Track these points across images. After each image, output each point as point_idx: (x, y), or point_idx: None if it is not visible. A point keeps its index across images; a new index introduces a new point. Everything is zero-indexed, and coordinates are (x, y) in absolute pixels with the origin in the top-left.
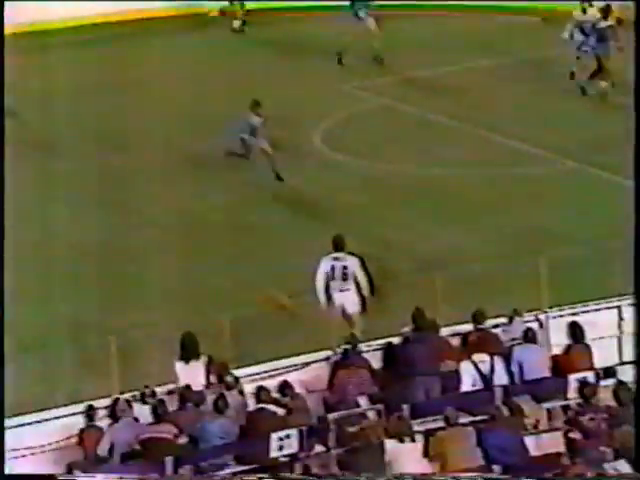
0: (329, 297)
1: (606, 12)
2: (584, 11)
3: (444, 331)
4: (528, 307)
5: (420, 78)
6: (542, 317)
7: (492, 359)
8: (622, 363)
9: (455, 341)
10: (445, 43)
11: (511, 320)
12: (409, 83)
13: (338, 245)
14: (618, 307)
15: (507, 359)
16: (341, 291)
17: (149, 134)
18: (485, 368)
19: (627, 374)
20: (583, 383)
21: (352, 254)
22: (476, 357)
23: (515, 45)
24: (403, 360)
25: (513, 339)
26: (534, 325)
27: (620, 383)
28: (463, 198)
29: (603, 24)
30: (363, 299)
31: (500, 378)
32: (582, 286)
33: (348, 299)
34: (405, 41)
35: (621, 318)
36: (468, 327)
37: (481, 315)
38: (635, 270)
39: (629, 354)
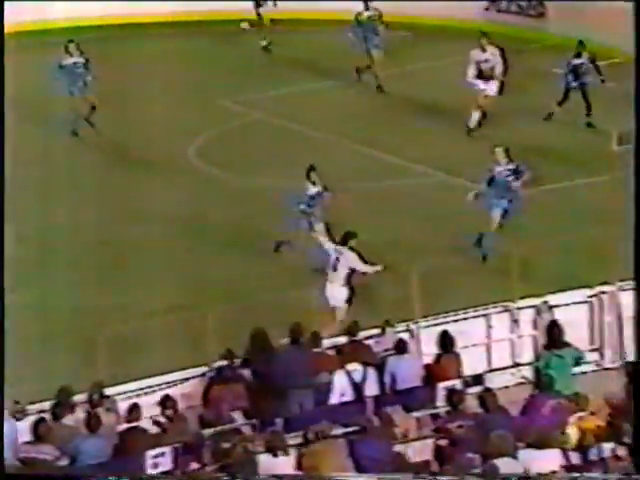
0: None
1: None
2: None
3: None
4: (400, 318)
5: (294, 93)
6: (413, 327)
7: (365, 369)
8: (490, 370)
9: (331, 353)
10: (321, 58)
11: (383, 331)
12: (284, 98)
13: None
14: (486, 315)
15: (379, 369)
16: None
17: None
18: (358, 378)
19: (494, 381)
20: (451, 391)
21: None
22: (349, 367)
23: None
24: (278, 373)
25: (385, 350)
26: (405, 335)
27: (487, 390)
28: (338, 211)
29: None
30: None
31: (372, 388)
32: (453, 296)
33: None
34: (281, 56)
35: (489, 326)
36: (343, 339)
37: (354, 326)
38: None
39: (498, 361)
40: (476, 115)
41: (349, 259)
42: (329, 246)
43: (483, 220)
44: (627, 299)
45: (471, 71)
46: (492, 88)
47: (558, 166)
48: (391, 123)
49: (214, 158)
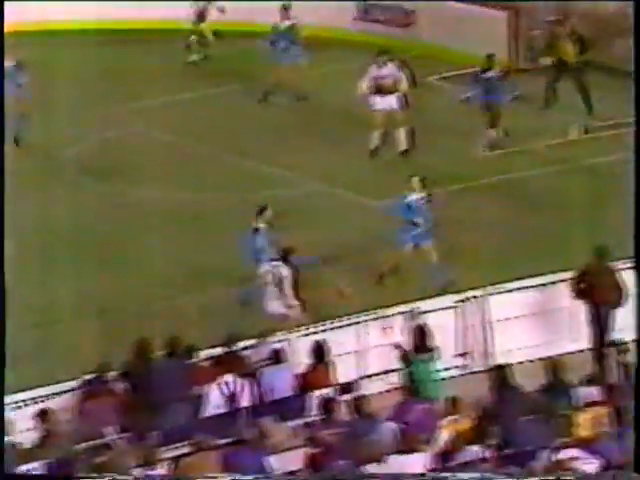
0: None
1: None
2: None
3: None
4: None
5: (170, 102)
6: (289, 337)
7: (240, 381)
8: (363, 377)
9: (207, 364)
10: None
11: (259, 341)
12: (162, 108)
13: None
14: (359, 323)
15: (255, 380)
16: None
17: None
18: (233, 390)
19: (367, 388)
20: (325, 399)
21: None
22: (225, 379)
23: (259, 72)
24: (154, 386)
25: (261, 360)
26: (281, 346)
27: (359, 397)
28: (213, 221)
29: None
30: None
31: (247, 399)
32: (327, 305)
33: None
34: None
35: (362, 334)
36: (219, 350)
37: (231, 337)
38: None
39: (370, 368)
40: (377, 134)
41: (285, 275)
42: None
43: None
44: (494, 304)
45: (364, 85)
46: (392, 103)
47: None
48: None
49: (93, 167)
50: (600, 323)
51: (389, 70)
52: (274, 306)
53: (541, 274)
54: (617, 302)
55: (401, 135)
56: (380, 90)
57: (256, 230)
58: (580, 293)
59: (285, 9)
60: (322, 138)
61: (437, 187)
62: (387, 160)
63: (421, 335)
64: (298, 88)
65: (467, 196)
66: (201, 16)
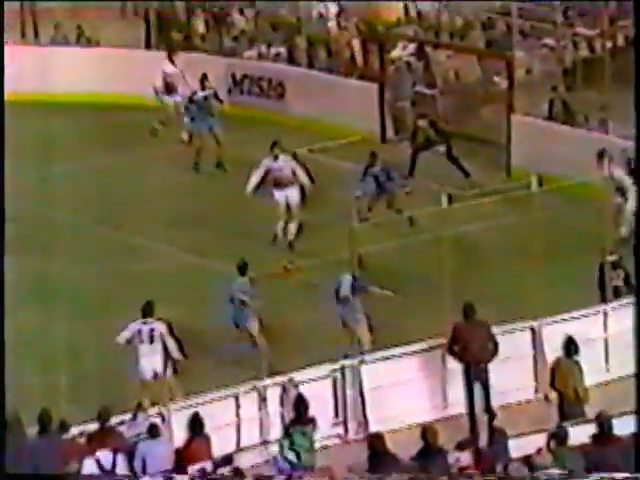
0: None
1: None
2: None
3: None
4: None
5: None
6: (164, 411)
7: (114, 456)
8: (239, 450)
9: (81, 440)
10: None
11: (135, 416)
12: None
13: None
14: (235, 396)
15: (130, 455)
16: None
17: None
18: (107, 465)
19: (243, 460)
20: (202, 473)
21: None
22: (99, 455)
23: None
24: (26, 463)
25: (138, 434)
26: (158, 420)
27: (236, 470)
28: (81, 294)
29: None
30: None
31: (123, 475)
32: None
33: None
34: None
35: (238, 406)
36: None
37: (105, 412)
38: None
39: (247, 440)
40: (281, 224)
41: (162, 331)
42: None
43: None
44: (369, 371)
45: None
46: (294, 196)
47: None
48: None
49: None
50: (473, 384)
51: (281, 161)
52: (147, 364)
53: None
54: (490, 358)
55: (292, 228)
56: (279, 183)
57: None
58: (455, 354)
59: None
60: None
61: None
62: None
63: (298, 406)
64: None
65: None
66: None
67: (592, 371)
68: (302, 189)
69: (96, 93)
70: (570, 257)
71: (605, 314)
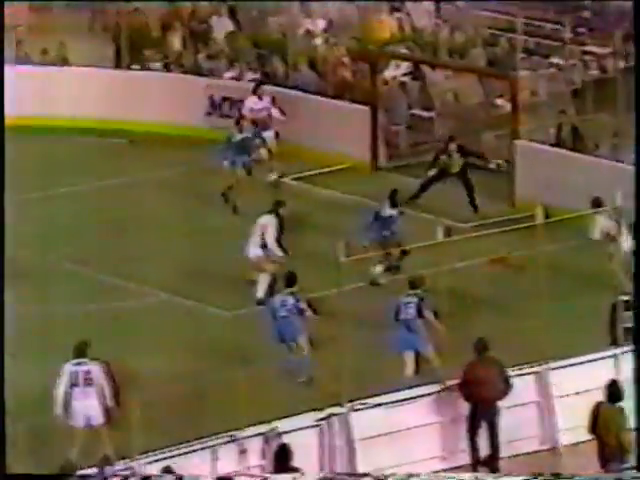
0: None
1: None
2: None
3: None
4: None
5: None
6: (134, 465)
7: None
8: None
9: None
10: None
11: (101, 469)
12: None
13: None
14: (212, 447)
15: None
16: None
17: None
18: None
19: None
20: None
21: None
22: None
23: (101, 169)
24: None
25: None
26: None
27: None
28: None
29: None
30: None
31: None
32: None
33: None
34: None
35: (215, 459)
36: None
37: (68, 465)
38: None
39: None
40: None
41: (99, 375)
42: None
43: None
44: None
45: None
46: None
47: None
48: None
49: None
50: (480, 426)
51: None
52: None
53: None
54: (502, 397)
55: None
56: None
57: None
58: (465, 392)
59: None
60: None
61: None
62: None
63: (282, 457)
64: None
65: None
66: None
67: None
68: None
69: (66, 117)
70: (578, 296)
71: (616, 358)
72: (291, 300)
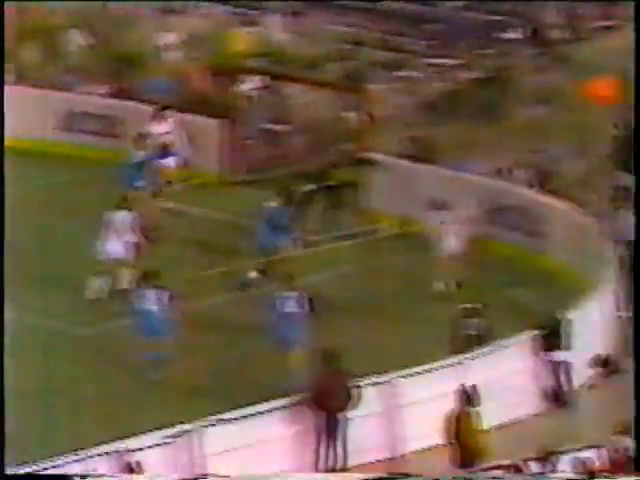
0: None
1: None
2: None
3: None
4: None
5: None
6: None
7: None
8: None
9: None
10: None
11: None
12: None
13: None
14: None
15: None
16: None
17: None
18: None
19: None
20: None
21: None
22: None
23: None
24: None
25: None
26: None
27: None
28: None
29: None
30: None
31: None
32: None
33: None
34: None
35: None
36: None
37: None
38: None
39: None
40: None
41: None
42: None
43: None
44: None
45: None
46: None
47: None
48: None
49: None
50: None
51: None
52: None
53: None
54: (347, 407)
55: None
56: None
57: None
58: (314, 403)
59: None
60: None
61: None
62: None
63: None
64: None
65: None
66: None
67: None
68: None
69: None
70: (425, 305)
71: (461, 366)
72: (154, 294)
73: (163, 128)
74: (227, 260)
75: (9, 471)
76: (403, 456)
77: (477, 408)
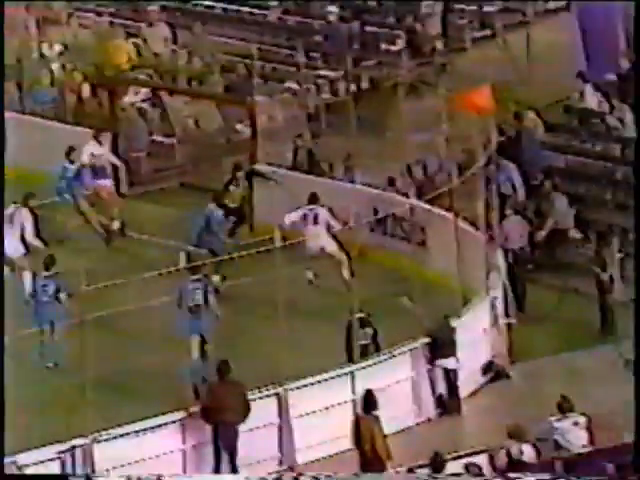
0: None
1: None
2: None
3: None
4: None
5: None
6: None
7: None
8: None
9: None
10: None
11: None
12: None
13: None
14: None
15: None
16: None
17: None
18: None
19: None
20: None
21: None
22: None
23: None
24: None
25: None
26: None
27: None
28: None
29: None
30: None
31: None
32: None
33: None
34: None
35: None
36: None
37: None
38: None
39: None
40: None
41: None
42: None
43: None
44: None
45: None
46: None
47: None
48: None
49: None
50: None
51: None
52: None
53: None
54: (242, 420)
55: None
56: None
57: None
58: (207, 415)
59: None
60: None
61: None
62: None
63: None
64: None
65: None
66: None
67: (339, 437)
68: None
69: None
70: (316, 316)
71: (352, 375)
72: (52, 285)
73: (100, 150)
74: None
75: None
76: (293, 468)
77: (376, 412)
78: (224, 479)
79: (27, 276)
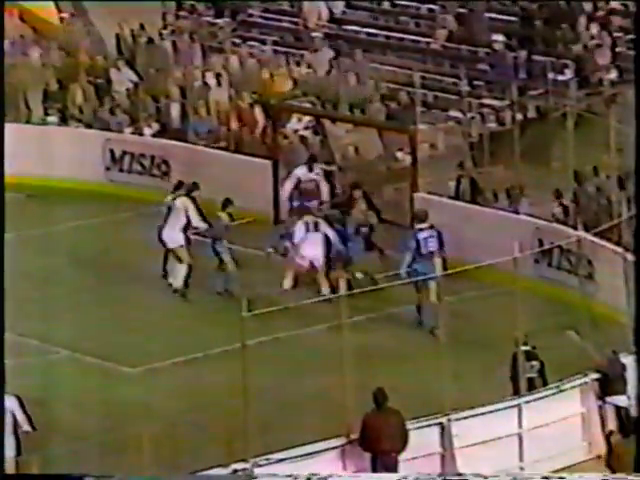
0: None
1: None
2: None
3: None
4: None
5: None
6: None
7: None
8: None
9: None
10: None
11: None
12: None
13: None
14: None
15: None
16: None
17: None
18: None
19: None
20: None
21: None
22: None
23: None
24: None
25: None
26: None
27: None
28: None
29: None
30: None
31: None
32: None
33: None
34: None
35: None
36: None
37: None
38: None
39: None
40: None
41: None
42: None
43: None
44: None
45: None
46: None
47: None
48: None
49: None
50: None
51: None
52: None
53: None
54: (402, 449)
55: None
56: None
57: None
58: (365, 445)
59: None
60: None
61: None
62: None
63: None
64: None
65: None
66: None
67: (504, 470)
68: None
69: None
70: (479, 347)
71: (519, 408)
72: None
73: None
74: None
75: None
76: None
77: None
78: None
79: (182, 268)
